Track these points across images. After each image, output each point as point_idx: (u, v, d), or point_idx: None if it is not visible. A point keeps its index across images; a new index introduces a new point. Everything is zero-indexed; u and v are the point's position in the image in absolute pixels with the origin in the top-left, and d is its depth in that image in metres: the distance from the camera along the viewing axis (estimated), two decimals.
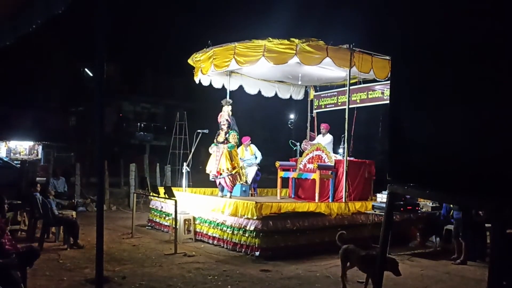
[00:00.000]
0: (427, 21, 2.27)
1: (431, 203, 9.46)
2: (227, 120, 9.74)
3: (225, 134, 9.71)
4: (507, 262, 1.96)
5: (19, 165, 15.48)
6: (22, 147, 26.42)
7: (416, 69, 2.23)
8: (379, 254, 2.64)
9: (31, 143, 26.65)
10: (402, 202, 8.35)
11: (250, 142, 11.46)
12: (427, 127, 2.14)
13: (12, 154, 25.35)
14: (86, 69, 29.94)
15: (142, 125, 32.55)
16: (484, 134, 1.91)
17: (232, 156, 9.67)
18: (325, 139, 10.82)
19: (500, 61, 1.89)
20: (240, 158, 10.97)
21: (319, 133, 11.45)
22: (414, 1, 2.38)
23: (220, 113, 9.94)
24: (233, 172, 9.59)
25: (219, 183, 9.84)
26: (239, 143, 10.36)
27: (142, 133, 32.04)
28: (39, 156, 26.35)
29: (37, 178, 12.35)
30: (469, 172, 1.91)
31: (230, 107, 9.92)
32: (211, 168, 9.83)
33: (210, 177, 9.96)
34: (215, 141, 9.88)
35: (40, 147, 26.86)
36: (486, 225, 8.48)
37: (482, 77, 1.93)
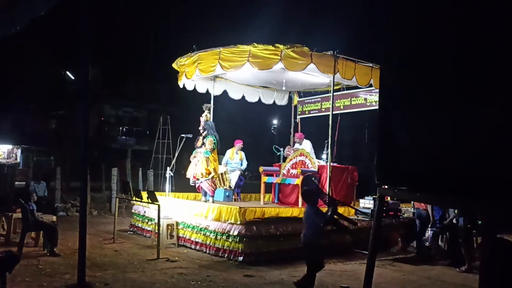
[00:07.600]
0: (413, 27, 2.32)
1: (412, 208, 9.59)
2: (202, 125, 9.79)
3: (203, 139, 9.73)
4: (496, 265, 2.00)
5: None
6: (0, 151, 25.84)
7: (404, 75, 2.27)
8: (368, 257, 2.64)
9: (9, 146, 26.06)
10: (384, 208, 8.43)
11: (242, 146, 11.44)
12: (416, 131, 2.17)
13: None
14: (67, 72, 29.52)
15: (124, 129, 32.19)
16: (472, 137, 1.94)
17: (209, 161, 9.63)
18: (303, 147, 10.86)
19: (485, 66, 1.93)
20: (228, 161, 11.00)
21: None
22: (400, 11, 2.42)
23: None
24: (209, 177, 9.56)
25: (201, 188, 9.82)
26: (216, 148, 10.14)
27: (124, 137, 31.67)
28: (18, 160, 25.75)
29: (16, 182, 12.12)
30: (457, 174, 1.95)
31: (207, 112, 9.92)
32: (191, 173, 9.83)
33: (190, 182, 9.96)
34: (195, 146, 9.91)
35: (19, 150, 26.28)
36: None
37: (469, 82, 1.98)
